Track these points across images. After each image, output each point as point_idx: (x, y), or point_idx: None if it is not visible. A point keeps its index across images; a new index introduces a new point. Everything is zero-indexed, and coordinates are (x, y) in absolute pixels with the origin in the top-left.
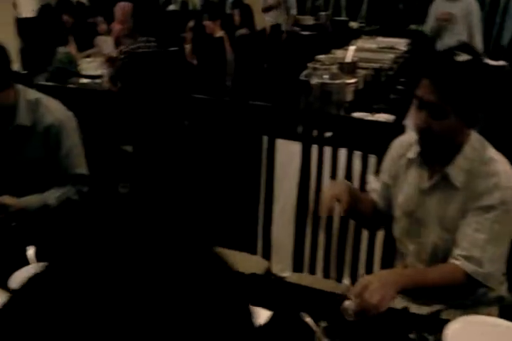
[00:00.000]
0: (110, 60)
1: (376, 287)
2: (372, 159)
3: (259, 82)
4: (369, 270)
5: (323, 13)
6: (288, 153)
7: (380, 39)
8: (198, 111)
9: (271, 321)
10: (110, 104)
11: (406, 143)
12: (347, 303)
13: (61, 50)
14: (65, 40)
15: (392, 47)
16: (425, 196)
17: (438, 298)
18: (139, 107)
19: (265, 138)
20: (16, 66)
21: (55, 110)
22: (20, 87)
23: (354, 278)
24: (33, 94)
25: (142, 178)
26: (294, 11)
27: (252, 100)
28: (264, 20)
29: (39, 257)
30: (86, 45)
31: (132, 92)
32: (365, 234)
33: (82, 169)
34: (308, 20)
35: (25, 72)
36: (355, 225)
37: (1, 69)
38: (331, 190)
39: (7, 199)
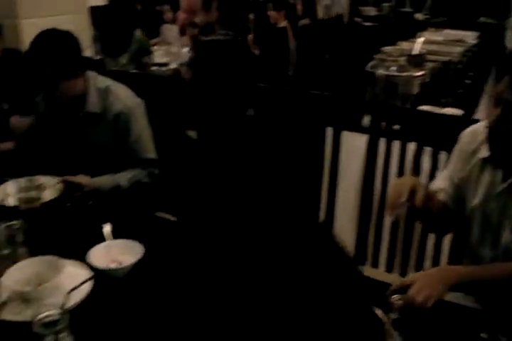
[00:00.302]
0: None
1: (422, 284)
2: (442, 156)
3: (320, 72)
4: (436, 265)
5: (386, 4)
6: (352, 145)
7: (447, 31)
8: (261, 100)
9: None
10: (177, 90)
11: (479, 137)
12: (392, 299)
13: (137, 33)
14: (138, 26)
15: (460, 40)
16: (502, 198)
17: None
18: (205, 94)
19: (329, 130)
20: (90, 52)
21: (123, 97)
22: (91, 74)
23: None
24: (103, 81)
25: (205, 164)
26: (327, 1)
27: (314, 90)
28: (327, 11)
29: (115, 234)
30: (152, 32)
31: (199, 79)
32: None
33: (151, 154)
34: (371, 11)
35: (99, 57)
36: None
37: (69, 59)
38: (404, 181)
39: (82, 179)
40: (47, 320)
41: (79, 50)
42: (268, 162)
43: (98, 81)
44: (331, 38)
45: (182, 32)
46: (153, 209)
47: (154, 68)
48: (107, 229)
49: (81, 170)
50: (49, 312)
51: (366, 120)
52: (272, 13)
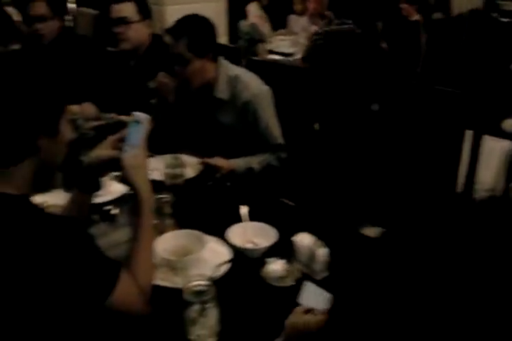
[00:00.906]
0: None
1: None
2: None
3: (452, 69)
4: None
5: None
6: (487, 150)
7: None
8: (387, 95)
9: None
10: (302, 80)
11: None
12: None
13: (242, 23)
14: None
15: None
16: None
17: None
18: (329, 86)
19: (468, 133)
20: (224, 39)
21: (252, 86)
22: (223, 62)
23: None
24: (233, 69)
25: (327, 157)
26: None
27: (446, 87)
28: (462, 5)
29: (251, 216)
30: (280, 22)
31: (324, 71)
32: None
33: (278, 139)
34: (510, 5)
35: (234, 45)
36: None
37: (202, 38)
38: None
39: (219, 161)
40: (196, 289)
41: (213, 35)
42: (392, 159)
43: (229, 69)
44: (465, 34)
45: (311, 22)
46: (279, 195)
47: (279, 58)
48: (244, 210)
49: (213, 149)
50: (198, 282)
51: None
52: (404, 6)
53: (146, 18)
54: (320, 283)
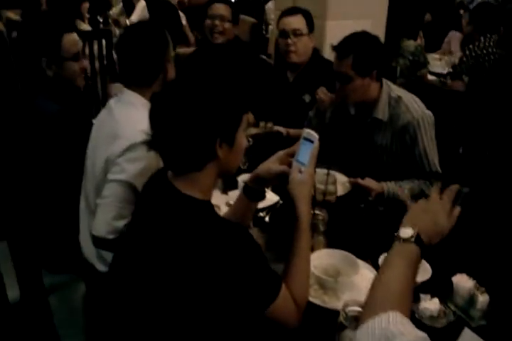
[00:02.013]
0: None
1: None
2: None
3: None
4: None
5: None
6: None
7: None
8: None
9: None
10: (457, 104)
11: None
12: None
13: (411, 42)
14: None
15: None
16: None
17: None
18: (487, 115)
19: None
20: None
21: (414, 109)
22: (385, 82)
23: None
24: (396, 90)
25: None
26: None
27: None
28: None
29: None
30: (437, 41)
31: (482, 97)
32: None
33: (435, 167)
34: None
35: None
36: None
37: (368, 56)
38: None
39: (370, 183)
40: (352, 314)
41: (379, 55)
42: None
43: (391, 89)
44: None
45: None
46: None
47: (433, 78)
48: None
49: (363, 169)
50: (354, 307)
51: None
52: None
53: (311, 32)
54: (475, 331)
